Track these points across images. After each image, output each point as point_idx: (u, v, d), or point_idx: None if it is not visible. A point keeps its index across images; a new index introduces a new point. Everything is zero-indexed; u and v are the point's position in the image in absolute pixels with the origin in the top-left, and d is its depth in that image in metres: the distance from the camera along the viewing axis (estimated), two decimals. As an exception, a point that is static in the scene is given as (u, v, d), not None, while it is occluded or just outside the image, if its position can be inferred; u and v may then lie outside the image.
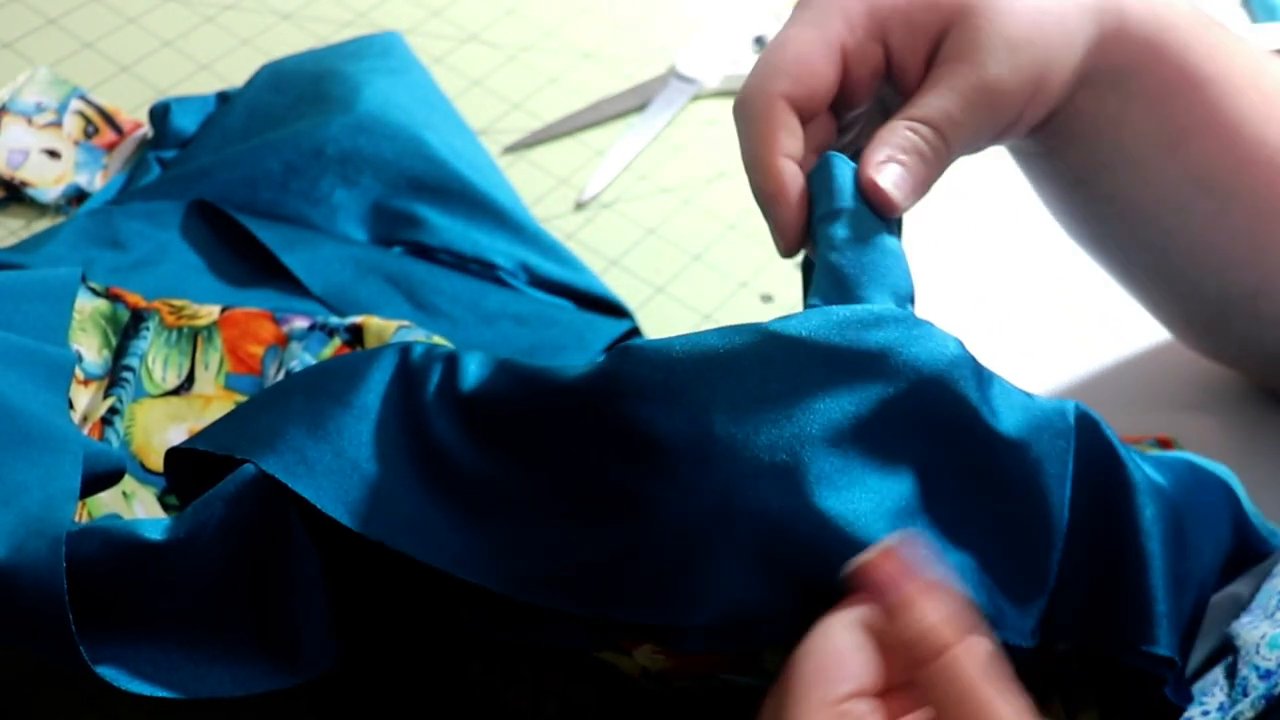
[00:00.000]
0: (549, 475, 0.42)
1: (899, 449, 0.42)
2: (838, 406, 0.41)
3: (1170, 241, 0.56)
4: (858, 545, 0.40)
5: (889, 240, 0.47)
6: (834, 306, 0.43)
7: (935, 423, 0.42)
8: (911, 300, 0.45)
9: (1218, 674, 0.46)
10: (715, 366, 0.41)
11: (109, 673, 0.40)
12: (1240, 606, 0.48)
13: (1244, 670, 0.45)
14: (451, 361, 0.44)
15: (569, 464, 0.42)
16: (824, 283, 0.45)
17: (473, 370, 0.44)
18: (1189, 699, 0.45)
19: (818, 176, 0.48)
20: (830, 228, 0.46)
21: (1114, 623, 0.43)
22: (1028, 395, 0.44)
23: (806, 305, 0.46)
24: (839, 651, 0.38)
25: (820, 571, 0.40)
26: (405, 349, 0.45)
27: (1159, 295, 0.61)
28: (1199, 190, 0.55)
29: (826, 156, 0.48)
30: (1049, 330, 0.69)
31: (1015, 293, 0.71)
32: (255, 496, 0.41)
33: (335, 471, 0.42)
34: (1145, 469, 0.45)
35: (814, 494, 0.40)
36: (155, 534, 0.40)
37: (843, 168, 0.47)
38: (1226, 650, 0.47)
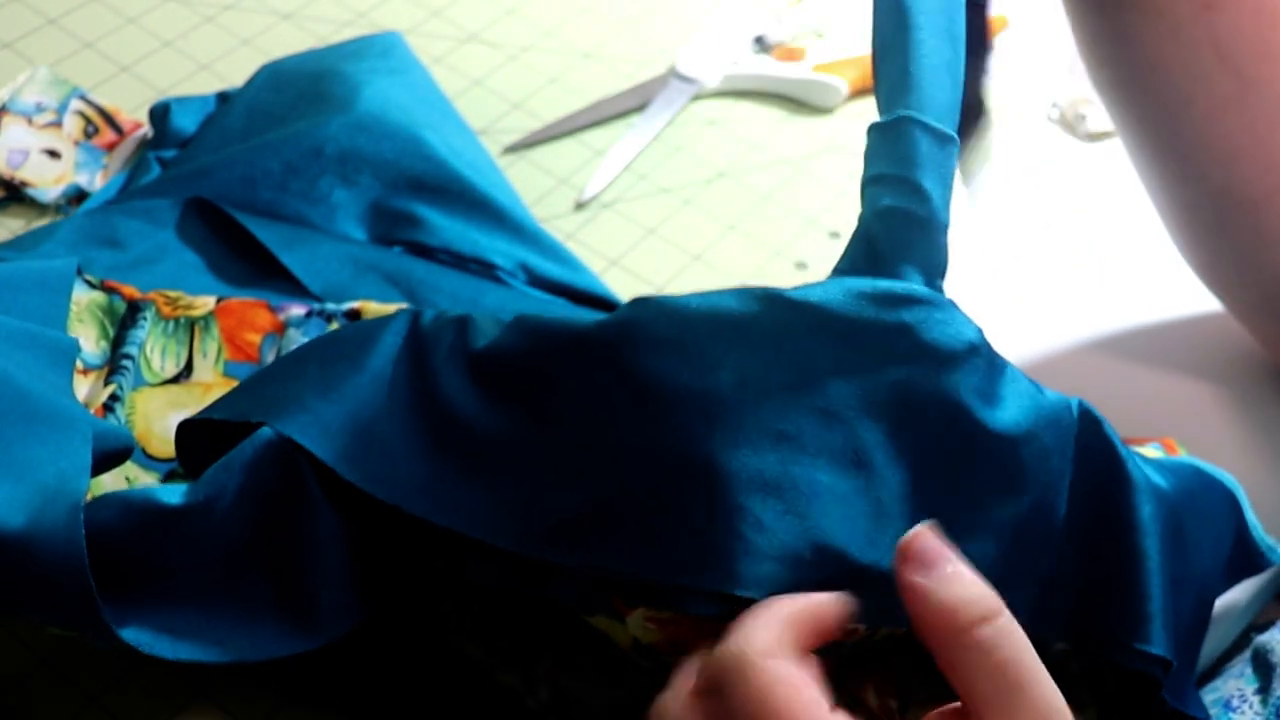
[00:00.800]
0: (558, 428, 0.42)
1: (904, 430, 0.41)
2: (849, 381, 0.41)
3: (1185, 111, 0.55)
4: (851, 524, 0.39)
5: (936, 213, 0.44)
6: (860, 279, 0.42)
7: (940, 408, 0.42)
8: (943, 275, 0.44)
9: (1243, 687, 0.46)
10: (729, 327, 0.41)
11: (132, 636, 0.39)
12: (1236, 612, 0.48)
13: None
14: (463, 323, 0.44)
15: (579, 416, 0.42)
16: (858, 251, 0.44)
17: (486, 329, 0.44)
18: (1197, 705, 0.45)
19: (886, 136, 0.44)
20: (879, 191, 0.44)
21: (1108, 620, 0.43)
22: (1036, 388, 0.44)
23: (836, 269, 0.45)
24: (803, 686, 0.36)
25: (811, 546, 0.39)
26: (416, 314, 0.45)
27: (1163, 174, 0.59)
28: (1221, 64, 0.53)
29: (904, 117, 0.44)
30: (1052, 300, 0.69)
31: (1024, 260, 0.71)
32: (272, 460, 0.41)
33: (349, 433, 0.42)
34: (1146, 470, 0.45)
35: (814, 466, 0.40)
36: (174, 499, 0.40)
37: (920, 138, 0.43)
38: (1235, 651, 0.47)
